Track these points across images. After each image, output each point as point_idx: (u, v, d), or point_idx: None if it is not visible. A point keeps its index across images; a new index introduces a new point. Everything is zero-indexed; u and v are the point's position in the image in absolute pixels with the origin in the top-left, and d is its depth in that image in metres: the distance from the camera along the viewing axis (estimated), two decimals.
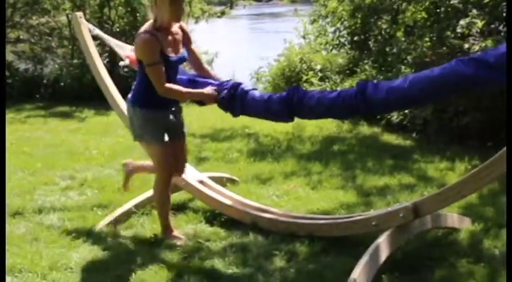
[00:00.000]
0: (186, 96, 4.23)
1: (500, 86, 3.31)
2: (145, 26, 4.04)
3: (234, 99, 4.07)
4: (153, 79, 4.00)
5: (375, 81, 3.77)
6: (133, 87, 4.28)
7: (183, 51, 4.22)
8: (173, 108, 4.34)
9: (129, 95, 4.28)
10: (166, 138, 4.25)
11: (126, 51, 5.05)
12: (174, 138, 4.35)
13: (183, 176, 4.84)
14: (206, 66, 4.48)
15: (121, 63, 5.14)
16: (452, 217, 4.38)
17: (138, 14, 11.55)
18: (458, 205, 4.70)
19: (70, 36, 12.11)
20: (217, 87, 4.16)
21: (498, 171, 3.42)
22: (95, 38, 5.21)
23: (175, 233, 4.45)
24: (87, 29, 5.02)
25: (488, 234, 4.29)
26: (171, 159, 4.34)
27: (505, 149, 3.28)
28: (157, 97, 4.09)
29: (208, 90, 4.13)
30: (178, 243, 4.33)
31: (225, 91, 4.09)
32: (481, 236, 4.28)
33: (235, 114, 4.14)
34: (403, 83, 3.55)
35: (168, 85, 4.04)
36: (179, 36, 4.18)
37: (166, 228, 4.45)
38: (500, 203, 4.95)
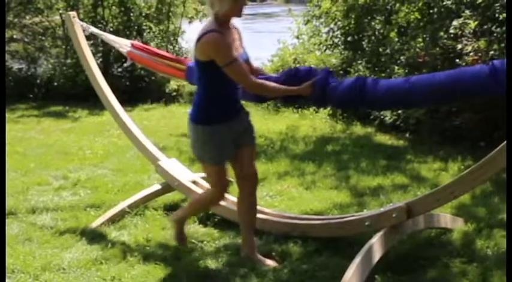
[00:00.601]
0: (279, 93, 3.91)
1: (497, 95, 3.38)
2: (208, 25, 3.73)
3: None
4: (237, 77, 3.70)
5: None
6: (193, 101, 3.97)
7: (242, 51, 3.91)
8: (239, 115, 3.99)
9: (190, 111, 3.95)
10: (229, 153, 3.97)
11: (126, 48, 4.98)
12: (243, 145, 4.02)
13: (180, 177, 4.85)
14: (257, 66, 4.21)
15: (126, 64, 5.09)
16: (445, 217, 4.40)
17: (131, 14, 11.54)
18: (451, 205, 4.71)
19: (64, 35, 12.09)
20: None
21: (490, 171, 3.44)
22: (88, 37, 5.20)
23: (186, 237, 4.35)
24: (80, 29, 5.00)
25: (481, 234, 4.31)
26: (227, 181, 4.10)
27: (496, 149, 3.30)
28: (220, 109, 3.83)
29: (304, 86, 3.79)
30: (181, 245, 4.29)
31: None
32: (473, 236, 4.29)
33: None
34: (404, 84, 3.57)
35: (258, 80, 3.79)
36: (236, 35, 3.90)
37: (181, 234, 4.33)
38: (493, 203, 4.97)
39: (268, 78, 3.97)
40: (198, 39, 3.69)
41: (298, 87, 3.79)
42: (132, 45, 4.98)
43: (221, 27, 3.71)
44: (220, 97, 3.84)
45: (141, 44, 5.14)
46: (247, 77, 3.72)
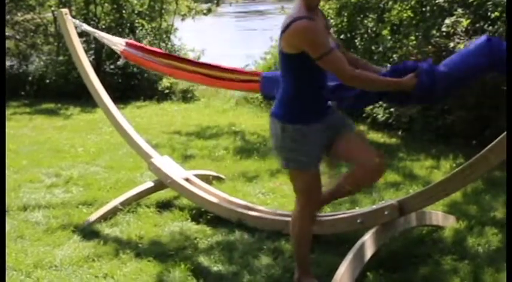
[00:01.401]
0: (382, 85, 3.37)
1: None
2: (295, 11, 3.21)
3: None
4: (335, 68, 3.19)
5: None
6: (277, 96, 3.43)
7: (331, 38, 3.40)
8: (330, 108, 3.48)
9: (273, 108, 3.43)
10: (320, 157, 3.44)
11: (120, 46, 4.92)
12: (340, 136, 3.44)
13: (173, 175, 4.86)
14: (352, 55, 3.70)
15: (120, 62, 4.94)
16: (437, 215, 4.41)
17: (124, 11, 11.53)
18: (442, 203, 4.73)
19: (56, 33, 12.07)
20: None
21: (482, 169, 3.46)
22: (80, 34, 5.18)
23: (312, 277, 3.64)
24: (72, 26, 4.98)
25: (472, 231, 4.32)
26: (320, 190, 3.53)
27: (488, 147, 3.32)
28: (312, 104, 3.34)
29: (408, 77, 3.34)
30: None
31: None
32: (465, 233, 4.30)
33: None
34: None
35: (357, 71, 3.26)
36: (323, 19, 3.40)
37: (305, 273, 3.62)
38: (484, 201, 4.99)
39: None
40: (285, 29, 3.19)
41: (401, 78, 3.35)
42: (127, 44, 4.93)
43: (311, 13, 3.20)
44: (313, 92, 3.34)
45: (165, 51, 5.07)
46: (345, 69, 3.22)
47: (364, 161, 3.41)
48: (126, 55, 4.90)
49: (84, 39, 10.38)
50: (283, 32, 3.21)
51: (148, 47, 5.20)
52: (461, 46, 6.35)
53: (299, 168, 3.41)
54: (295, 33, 3.16)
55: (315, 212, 3.61)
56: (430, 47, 7.02)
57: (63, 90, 11.12)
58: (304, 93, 3.33)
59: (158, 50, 5.19)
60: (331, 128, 3.43)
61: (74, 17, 7.44)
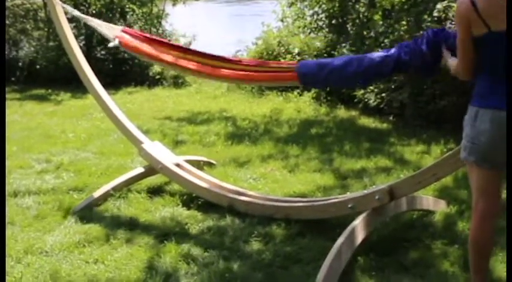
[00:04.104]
0: None
1: None
2: None
3: None
4: None
5: None
6: None
7: None
8: None
9: None
10: None
11: (115, 31, 4.80)
12: None
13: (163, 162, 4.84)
14: None
15: (110, 44, 4.75)
16: (428, 199, 4.43)
17: None
18: (433, 188, 4.75)
19: (46, 18, 11.98)
20: None
21: None
22: (71, 20, 5.12)
23: None
24: (62, 11, 4.94)
25: (463, 216, 4.34)
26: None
27: None
28: None
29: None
30: None
31: None
32: (455, 218, 4.32)
33: None
34: None
35: None
36: None
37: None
38: None
39: None
40: None
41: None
42: (124, 31, 4.79)
43: None
44: None
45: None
46: None
47: None
48: (121, 40, 4.72)
49: (74, 24, 10.31)
50: None
51: (161, 39, 4.97)
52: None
53: None
54: None
55: None
56: (421, 31, 7.01)
57: (54, 76, 11.05)
58: None
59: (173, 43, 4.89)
60: None
61: (64, 2, 7.40)
